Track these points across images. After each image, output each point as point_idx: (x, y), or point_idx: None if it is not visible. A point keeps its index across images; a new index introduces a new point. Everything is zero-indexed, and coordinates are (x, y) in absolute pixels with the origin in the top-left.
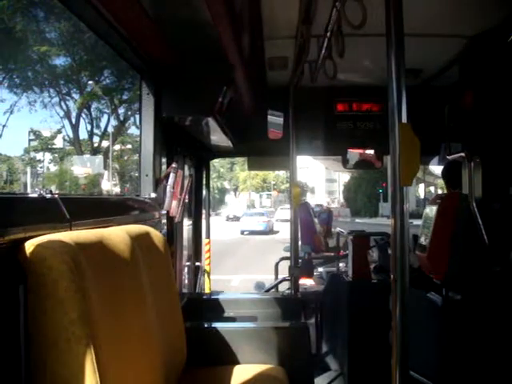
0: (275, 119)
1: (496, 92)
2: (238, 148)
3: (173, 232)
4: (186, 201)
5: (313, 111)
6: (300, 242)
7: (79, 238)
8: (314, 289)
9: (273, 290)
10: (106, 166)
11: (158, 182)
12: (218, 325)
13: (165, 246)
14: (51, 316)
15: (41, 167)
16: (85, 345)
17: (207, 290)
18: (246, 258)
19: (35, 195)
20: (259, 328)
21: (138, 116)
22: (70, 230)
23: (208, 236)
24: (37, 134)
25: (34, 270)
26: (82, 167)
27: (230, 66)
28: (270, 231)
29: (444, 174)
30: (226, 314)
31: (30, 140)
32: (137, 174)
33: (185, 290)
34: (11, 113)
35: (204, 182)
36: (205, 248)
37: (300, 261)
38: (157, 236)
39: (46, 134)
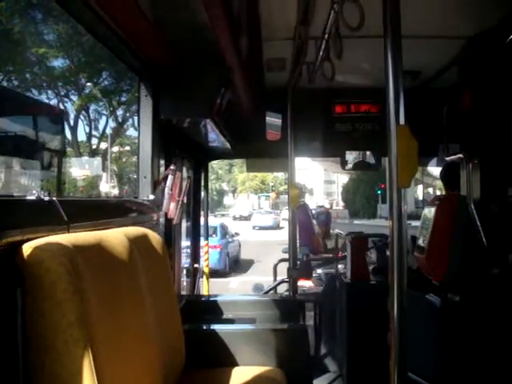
0: (273, 121)
1: (494, 93)
2: (237, 150)
3: (171, 234)
4: (185, 202)
5: (311, 113)
6: (298, 244)
7: (77, 240)
8: (313, 290)
9: (271, 291)
10: (104, 168)
11: (157, 184)
12: (216, 327)
13: (163, 248)
14: (49, 318)
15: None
16: (83, 347)
17: (206, 292)
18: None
19: (33, 197)
20: (258, 330)
21: (136, 118)
22: (68, 232)
23: (206, 238)
24: None
25: (31, 272)
26: (80, 169)
27: (228, 68)
28: (277, 226)
29: (442, 176)
30: (224, 316)
31: None
32: (135, 176)
33: (183, 292)
34: None
35: (202, 183)
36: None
37: (298, 262)
38: (155, 238)
39: None
